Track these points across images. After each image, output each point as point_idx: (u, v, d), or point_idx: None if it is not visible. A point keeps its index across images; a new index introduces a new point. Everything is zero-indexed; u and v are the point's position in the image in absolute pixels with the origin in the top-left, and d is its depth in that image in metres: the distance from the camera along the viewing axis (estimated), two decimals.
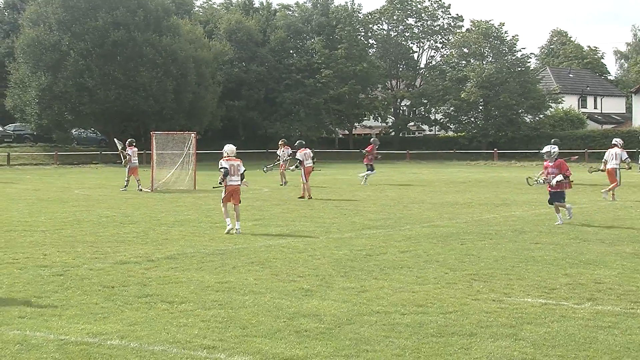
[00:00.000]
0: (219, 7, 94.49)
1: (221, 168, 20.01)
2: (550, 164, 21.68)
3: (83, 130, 79.59)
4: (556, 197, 21.50)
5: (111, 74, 67.65)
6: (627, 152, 30.08)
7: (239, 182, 20.16)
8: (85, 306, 11.23)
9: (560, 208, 21.53)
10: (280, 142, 39.64)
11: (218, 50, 79.20)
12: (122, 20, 68.46)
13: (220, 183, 20.28)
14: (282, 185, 36.73)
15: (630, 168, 31.13)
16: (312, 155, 32.08)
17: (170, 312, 10.83)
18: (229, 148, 20.56)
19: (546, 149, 22.02)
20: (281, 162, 38.74)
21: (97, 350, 8.97)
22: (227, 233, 19.24)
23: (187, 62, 70.81)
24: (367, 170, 38.40)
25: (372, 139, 41.21)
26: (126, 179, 34.85)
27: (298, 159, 31.36)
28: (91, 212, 25.21)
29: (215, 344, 9.23)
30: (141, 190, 33.56)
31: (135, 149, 35.63)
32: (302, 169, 30.70)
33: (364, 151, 39.33)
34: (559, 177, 21.22)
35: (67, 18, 68.74)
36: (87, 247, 17.16)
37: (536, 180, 23.70)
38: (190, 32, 74.57)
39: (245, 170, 20.41)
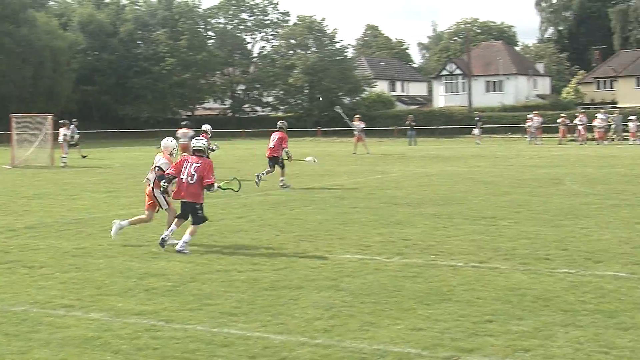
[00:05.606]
0: (72, 2, 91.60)
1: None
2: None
3: None
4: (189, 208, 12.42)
5: None
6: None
7: None
8: None
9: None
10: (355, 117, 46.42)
11: (72, 41, 77.03)
12: None
13: None
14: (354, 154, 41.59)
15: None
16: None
17: (30, 276, 10.50)
18: None
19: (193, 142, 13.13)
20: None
21: None
22: None
23: (44, 51, 68.76)
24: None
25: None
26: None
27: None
28: None
29: (73, 302, 9.01)
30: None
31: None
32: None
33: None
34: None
35: None
36: None
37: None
38: (46, 24, 72.17)
39: None
